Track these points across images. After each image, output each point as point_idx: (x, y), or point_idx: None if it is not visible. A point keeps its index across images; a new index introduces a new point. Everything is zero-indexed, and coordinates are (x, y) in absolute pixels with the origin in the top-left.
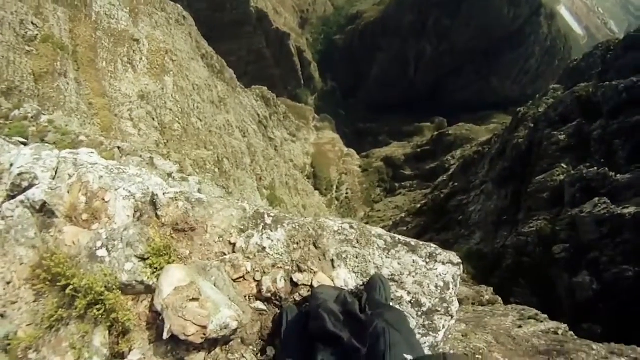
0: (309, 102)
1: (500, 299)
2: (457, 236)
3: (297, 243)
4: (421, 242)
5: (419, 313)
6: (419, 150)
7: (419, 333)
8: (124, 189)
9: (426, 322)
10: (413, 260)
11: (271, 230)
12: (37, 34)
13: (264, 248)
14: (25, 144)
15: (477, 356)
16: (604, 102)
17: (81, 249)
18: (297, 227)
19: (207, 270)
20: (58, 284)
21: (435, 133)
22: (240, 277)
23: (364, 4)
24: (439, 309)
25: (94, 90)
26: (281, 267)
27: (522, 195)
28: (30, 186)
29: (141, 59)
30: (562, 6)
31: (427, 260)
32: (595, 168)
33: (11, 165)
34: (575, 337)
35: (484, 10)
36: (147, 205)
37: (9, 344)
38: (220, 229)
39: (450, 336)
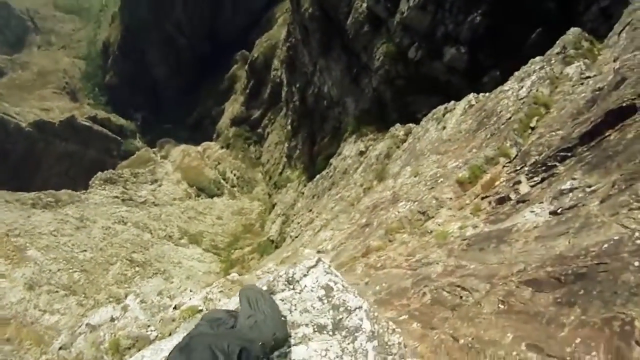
0: (139, 146)
1: (412, 124)
2: (338, 118)
3: None
4: (272, 277)
5: (331, 333)
6: (247, 91)
7: (353, 349)
8: None
9: (345, 335)
10: (280, 298)
11: None
12: None
13: None
14: None
15: (439, 181)
16: None
17: None
18: None
19: None
20: None
21: (246, 67)
22: None
23: (103, 33)
24: (341, 315)
25: None
26: None
27: (350, 45)
28: None
29: None
30: None
31: (291, 286)
32: None
33: None
34: (487, 94)
35: None
36: None
37: None
38: None
39: (407, 188)
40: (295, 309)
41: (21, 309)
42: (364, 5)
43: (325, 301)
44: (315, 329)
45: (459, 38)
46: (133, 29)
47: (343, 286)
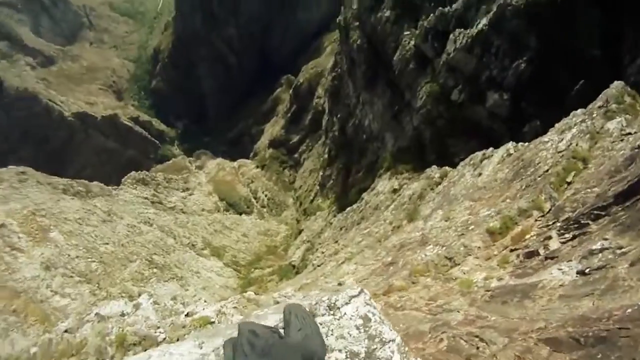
0: (176, 154)
1: (448, 167)
2: (375, 152)
3: None
4: (314, 300)
5: None
6: (289, 115)
7: None
8: None
9: None
10: (319, 322)
11: None
12: None
13: None
14: None
15: (470, 228)
16: None
17: None
18: None
19: None
20: None
21: (291, 91)
22: None
23: (154, 39)
24: (375, 345)
25: (7, 298)
26: None
27: (395, 80)
28: None
29: (19, 237)
30: None
31: (331, 312)
32: (432, 14)
33: None
34: (526, 143)
35: None
36: None
37: None
38: None
39: (438, 233)
40: (332, 334)
41: (34, 285)
42: (412, 42)
43: (362, 330)
44: (348, 356)
45: (503, 84)
46: (185, 39)
47: (380, 318)
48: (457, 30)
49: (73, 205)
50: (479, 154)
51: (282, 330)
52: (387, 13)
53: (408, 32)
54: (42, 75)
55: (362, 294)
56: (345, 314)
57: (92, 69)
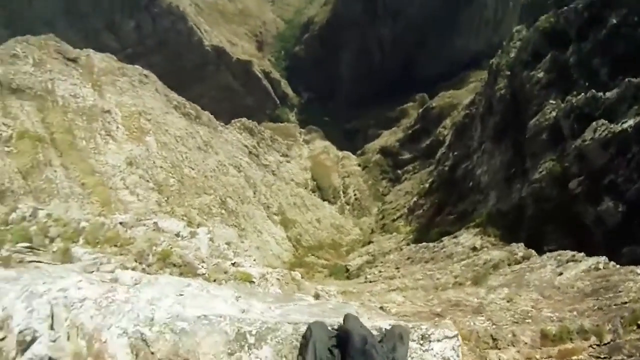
0: (290, 119)
1: (533, 251)
2: (474, 203)
3: (285, 356)
4: (411, 325)
5: None
6: (410, 131)
7: None
8: (115, 326)
9: None
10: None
11: (257, 349)
12: (12, 133)
13: None
14: (31, 248)
15: (526, 320)
16: (569, 27)
17: None
18: (281, 341)
19: None
20: None
21: (420, 110)
22: None
23: (312, 9)
24: None
25: (82, 171)
26: None
27: (522, 143)
28: (34, 340)
29: (117, 127)
30: None
31: (421, 342)
32: (583, 94)
33: (12, 317)
34: (618, 266)
35: None
36: (139, 342)
37: None
38: (211, 355)
39: (496, 307)
40: None
41: (111, 172)
42: (553, 114)
43: None
44: None
45: (624, 195)
46: (339, 21)
47: None
48: (601, 120)
49: (178, 123)
50: (569, 253)
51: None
52: (541, 75)
53: (554, 102)
54: (196, 0)
55: (455, 339)
56: (432, 349)
57: (245, 14)
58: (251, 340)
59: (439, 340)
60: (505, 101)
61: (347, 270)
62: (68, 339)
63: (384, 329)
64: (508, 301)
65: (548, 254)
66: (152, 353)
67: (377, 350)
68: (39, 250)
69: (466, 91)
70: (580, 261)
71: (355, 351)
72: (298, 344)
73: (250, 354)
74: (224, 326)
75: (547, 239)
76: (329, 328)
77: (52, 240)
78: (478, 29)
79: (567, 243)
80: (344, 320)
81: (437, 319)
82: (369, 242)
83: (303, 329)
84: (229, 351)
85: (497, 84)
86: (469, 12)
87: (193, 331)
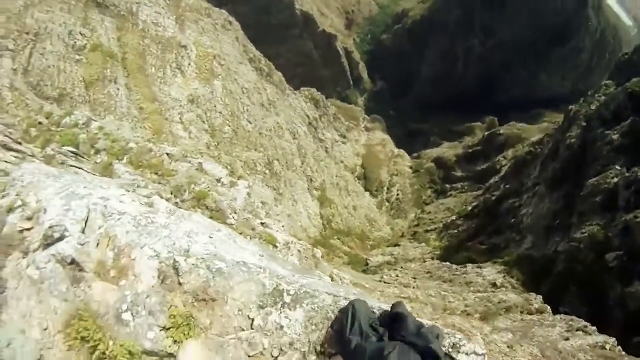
0: (358, 103)
1: (549, 308)
2: (508, 240)
3: (316, 325)
4: (446, 331)
5: None
6: (470, 150)
7: None
8: (149, 247)
9: None
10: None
11: (290, 310)
12: (86, 44)
13: (282, 327)
14: (76, 154)
15: None
16: None
17: (109, 307)
18: (317, 309)
19: (224, 348)
20: (87, 344)
21: (487, 133)
22: (258, 354)
23: (409, 2)
24: None
25: (144, 96)
26: (298, 349)
27: (575, 198)
28: (62, 238)
29: (189, 64)
30: None
31: (450, 349)
32: None
33: (45, 210)
34: (624, 353)
35: (529, 3)
36: (170, 269)
37: None
38: (240, 302)
39: (495, 348)
40: None
41: (171, 104)
42: (615, 180)
43: None
44: None
45: None
46: (431, 20)
47: None
48: None
49: (249, 75)
50: (582, 322)
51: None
52: (616, 137)
53: (619, 169)
54: None
55: (482, 357)
56: None
57: None
58: (287, 299)
59: (467, 354)
60: (573, 151)
61: (367, 264)
62: (97, 246)
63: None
64: (509, 347)
65: (563, 315)
66: (180, 284)
67: (432, 336)
68: (83, 157)
69: (537, 129)
70: (590, 334)
71: (410, 333)
72: (333, 316)
73: (281, 313)
74: (263, 278)
75: (567, 300)
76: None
77: (98, 152)
78: (567, 71)
79: (583, 311)
80: (394, 306)
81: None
82: (396, 245)
83: (342, 303)
84: (261, 304)
85: (569, 132)
86: (563, 52)
87: (230, 274)
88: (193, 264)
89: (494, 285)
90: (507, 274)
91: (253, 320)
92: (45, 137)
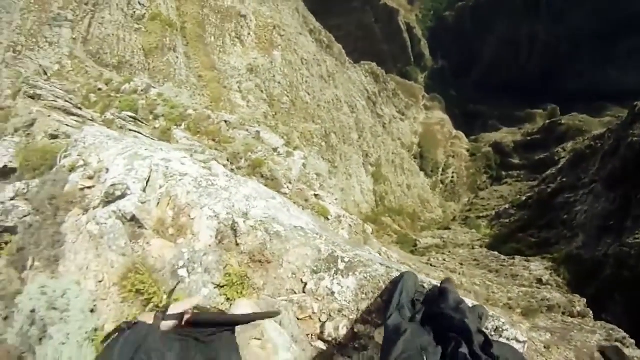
0: (418, 80)
1: (591, 312)
2: (559, 236)
3: (366, 294)
4: (491, 313)
5: None
6: (529, 138)
7: None
8: (209, 207)
9: None
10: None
11: (342, 277)
12: (145, 13)
13: (333, 292)
14: (135, 119)
15: None
16: None
17: (165, 263)
18: (369, 278)
19: (275, 308)
20: (141, 297)
21: (547, 121)
22: (306, 317)
23: None
24: None
25: (203, 64)
26: (346, 316)
27: (632, 200)
28: (123, 196)
29: (249, 33)
30: None
31: (492, 333)
32: None
33: (107, 170)
34: None
35: None
36: (228, 230)
37: (95, 337)
38: (295, 265)
39: (532, 346)
40: None
41: (230, 73)
42: None
43: None
44: None
45: None
46: (500, 2)
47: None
48: None
49: (309, 46)
50: (622, 333)
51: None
52: None
53: None
54: None
55: (523, 345)
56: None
57: None
58: (341, 266)
59: (508, 339)
60: (634, 149)
61: (415, 245)
62: (157, 205)
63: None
64: (545, 347)
65: (603, 322)
66: (238, 244)
67: (470, 312)
68: (142, 122)
69: (599, 122)
70: (628, 347)
71: (449, 307)
72: (384, 286)
73: (333, 279)
74: (319, 244)
75: (611, 306)
76: (419, 283)
77: (156, 117)
78: (636, 64)
79: (626, 320)
80: (442, 282)
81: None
82: (447, 228)
83: (394, 274)
84: (315, 268)
85: (632, 129)
86: (634, 42)
87: (287, 237)
88: (251, 226)
89: (540, 281)
90: (554, 271)
91: (306, 284)
92: (105, 102)
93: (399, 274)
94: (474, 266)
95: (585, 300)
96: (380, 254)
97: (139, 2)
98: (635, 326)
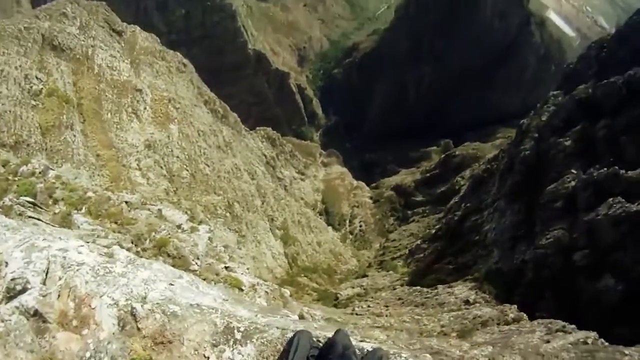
0: (314, 139)
1: (525, 315)
2: (475, 257)
3: (266, 358)
4: (392, 351)
5: None
6: (427, 175)
7: None
8: (107, 295)
9: None
10: None
11: (241, 346)
12: (42, 88)
13: None
14: (34, 204)
15: None
16: (605, 101)
17: (73, 356)
18: (266, 343)
19: None
20: None
21: (443, 156)
22: None
23: (359, 35)
24: None
25: (101, 142)
26: None
27: (536, 207)
28: (24, 290)
29: (145, 108)
30: (551, 11)
31: None
32: (605, 169)
33: (7, 263)
34: (607, 344)
35: (474, 27)
36: (128, 315)
37: None
38: (195, 342)
39: (479, 358)
40: None
41: (128, 150)
42: (572, 183)
43: None
44: None
45: (627, 274)
46: (383, 53)
47: None
48: (618, 197)
49: (205, 118)
50: (560, 323)
51: None
52: (568, 143)
53: (574, 172)
54: (250, 3)
55: None
56: None
57: (293, 27)
58: (238, 336)
59: None
60: (527, 163)
61: (337, 298)
62: (58, 297)
63: (365, 350)
64: (489, 359)
65: (539, 320)
66: (139, 329)
67: (356, 357)
68: (41, 208)
69: (491, 145)
70: (570, 333)
71: (336, 355)
72: (282, 348)
73: (233, 349)
74: (215, 318)
75: (541, 305)
76: (314, 339)
77: (56, 201)
78: (515, 87)
79: (560, 314)
80: (334, 333)
81: (417, 351)
82: (364, 276)
83: (289, 335)
84: (214, 342)
85: (522, 144)
86: (511, 69)
87: (183, 316)
88: (149, 309)
89: (467, 302)
90: (478, 289)
91: (208, 358)
92: (2, 186)
93: (293, 333)
94: (400, 305)
95: (515, 306)
96: (302, 316)
97: (36, 77)
98: (573, 312)
